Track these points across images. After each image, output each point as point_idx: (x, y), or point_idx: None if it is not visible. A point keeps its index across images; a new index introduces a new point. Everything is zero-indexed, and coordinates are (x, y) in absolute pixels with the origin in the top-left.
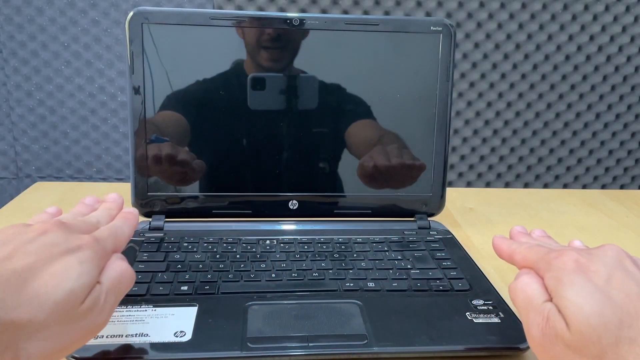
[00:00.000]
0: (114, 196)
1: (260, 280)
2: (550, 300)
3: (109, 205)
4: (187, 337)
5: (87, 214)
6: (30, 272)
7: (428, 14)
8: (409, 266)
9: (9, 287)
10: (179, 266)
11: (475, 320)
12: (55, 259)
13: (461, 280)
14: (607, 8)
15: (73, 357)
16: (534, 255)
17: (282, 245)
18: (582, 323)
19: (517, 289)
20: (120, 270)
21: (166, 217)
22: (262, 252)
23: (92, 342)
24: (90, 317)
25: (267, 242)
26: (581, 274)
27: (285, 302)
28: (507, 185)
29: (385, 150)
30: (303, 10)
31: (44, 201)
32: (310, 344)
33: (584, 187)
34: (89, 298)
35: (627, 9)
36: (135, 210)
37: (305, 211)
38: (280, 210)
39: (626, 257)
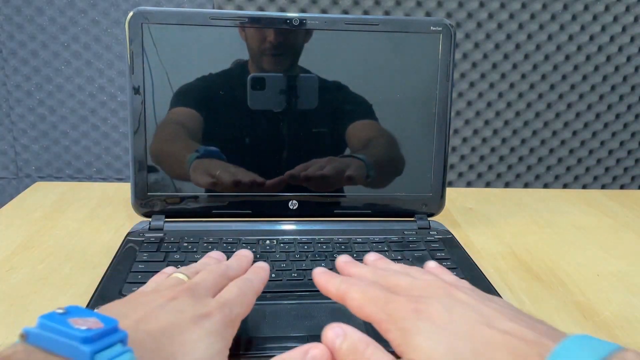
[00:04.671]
0: (245, 252)
1: None
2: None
3: (240, 258)
4: None
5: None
6: (162, 336)
7: (428, 14)
8: None
9: (144, 348)
10: (179, 266)
11: None
12: (185, 328)
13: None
14: (607, 8)
15: None
16: (371, 310)
17: (282, 245)
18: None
19: (355, 354)
20: None
21: (166, 217)
22: (262, 252)
23: None
24: None
25: (267, 242)
26: (424, 320)
27: (285, 302)
28: (507, 185)
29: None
30: (303, 10)
31: (44, 201)
32: None
33: (584, 187)
34: None
35: (627, 9)
36: (266, 265)
37: (305, 211)
38: (280, 210)
39: (453, 288)
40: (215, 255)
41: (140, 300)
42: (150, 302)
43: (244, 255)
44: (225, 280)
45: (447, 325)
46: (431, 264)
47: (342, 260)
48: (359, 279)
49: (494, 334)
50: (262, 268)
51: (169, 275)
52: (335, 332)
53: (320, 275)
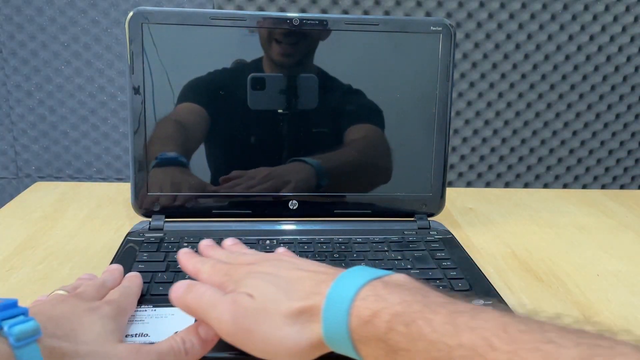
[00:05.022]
0: (115, 266)
1: None
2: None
3: (111, 271)
4: None
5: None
6: (62, 319)
7: (428, 14)
8: (408, 266)
9: (45, 327)
10: (179, 266)
11: None
12: (80, 314)
13: (461, 281)
14: (607, 8)
15: None
16: (216, 277)
17: (282, 245)
18: (263, 290)
19: (197, 298)
20: None
21: (166, 217)
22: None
23: None
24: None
25: (267, 242)
26: (255, 272)
27: None
28: (507, 185)
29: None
30: (303, 10)
31: (44, 201)
32: None
33: (584, 187)
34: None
35: (627, 9)
36: (137, 273)
37: (305, 211)
38: (280, 210)
39: (287, 254)
40: (86, 276)
41: (33, 305)
42: (41, 305)
43: (114, 269)
44: (105, 290)
45: (271, 272)
46: (280, 249)
47: (204, 244)
48: (212, 258)
49: (303, 272)
50: (135, 275)
51: (48, 295)
52: (178, 283)
53: (183, 255)
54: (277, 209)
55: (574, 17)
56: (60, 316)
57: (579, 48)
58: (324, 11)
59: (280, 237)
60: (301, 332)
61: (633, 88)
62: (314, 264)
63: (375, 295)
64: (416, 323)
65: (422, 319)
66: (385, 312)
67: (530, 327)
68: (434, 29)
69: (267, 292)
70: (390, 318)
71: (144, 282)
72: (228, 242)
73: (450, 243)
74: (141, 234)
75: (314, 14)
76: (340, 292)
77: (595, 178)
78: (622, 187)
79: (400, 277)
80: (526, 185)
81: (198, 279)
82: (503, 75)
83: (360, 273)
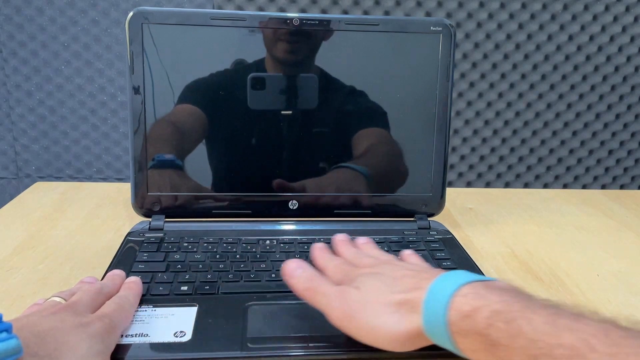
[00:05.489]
0: (117, 271)
1: (260, 280)
2: None
3: (112, 277)
4: (187, 337)
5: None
6: (46, 336)
7: (428, 14)
8: None
9: (28, 344)
10: (179, 266)
11: None
12: (67, 332)
13: None
14: (607, 8)
15: None
16: (338, 276)
17: (282, 245)
18: (368, 285)
19: (314, 289)
20: None
21: (166, 217)
22: (262, 252)
23: None
24: None
25: (267, 242)
26: (367, 274)
27: (285, 302)
28: (507, 185)
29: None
30: (303, 10)
31: (44, 201)
32: (310, 345)
33: (584, 187)
34: None
35: (627, 9)
36: (137, 279)
37: (305, 211)
38: (280, 210)
39: (400, 261)
40: (88, 279)
41: (19, 318)
42: (30, 316)
43: (116, 274)
44: (102, 297)
45: (380, 272)
46: (406, 252)
47: (339, 238)
48: (338, 257)
49: (408, 272)
50: (135, 282)
51: (45, 301)
52: (296, 264)
53: (316, 250)
54: (277, 209)
55: (574, 17)
56: (46, 332)
57: (579, 48)
58: (324, 11)
59: (280, 237)
60: (400, 321)
61: (633, 88)
62: (421, 267)
63: (475, 294)
64: (516, 321)
65: (522, 318)
66: (486, 309)
67: (631, 334)
68: (434, 29)
69: (372, 286)
70: (490, 315)
71: (144, 282)
72: (361, 240)
73: (450, 243)
74: (141, 234)
75: (314, 14)
76: (442, 287)
77: (595, 178)
78: (622, 187)
79: (502, 282)
80: (526, 185)
81: (323, 273)
82: (503, 75)
83: (463, 274)
